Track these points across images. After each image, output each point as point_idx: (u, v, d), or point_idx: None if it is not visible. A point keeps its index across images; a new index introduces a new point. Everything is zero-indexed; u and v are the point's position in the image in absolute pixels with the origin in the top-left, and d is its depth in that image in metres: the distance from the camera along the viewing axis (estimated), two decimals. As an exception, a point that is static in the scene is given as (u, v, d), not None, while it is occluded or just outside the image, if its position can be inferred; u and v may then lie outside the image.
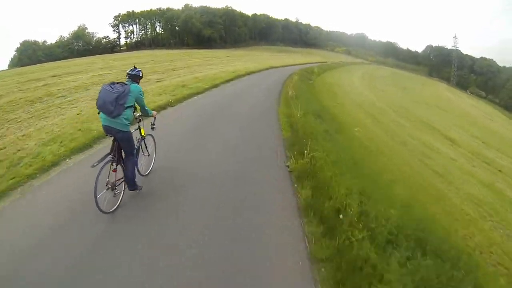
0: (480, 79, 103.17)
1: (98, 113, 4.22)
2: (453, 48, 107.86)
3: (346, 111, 18.02)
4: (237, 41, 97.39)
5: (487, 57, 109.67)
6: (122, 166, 4.46)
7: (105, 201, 4.13)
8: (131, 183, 4.52)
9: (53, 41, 79.70)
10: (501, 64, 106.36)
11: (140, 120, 5.11)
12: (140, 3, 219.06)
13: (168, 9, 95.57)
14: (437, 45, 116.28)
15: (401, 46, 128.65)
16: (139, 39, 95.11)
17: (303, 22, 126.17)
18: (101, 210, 4.00)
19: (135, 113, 4.61)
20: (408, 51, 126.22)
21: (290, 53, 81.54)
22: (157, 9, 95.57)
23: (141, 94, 4.51)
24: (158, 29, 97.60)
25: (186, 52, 58.03)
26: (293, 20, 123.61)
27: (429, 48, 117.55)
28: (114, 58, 42.54)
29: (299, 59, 55.25)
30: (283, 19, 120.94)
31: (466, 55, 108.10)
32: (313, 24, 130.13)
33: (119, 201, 4.38)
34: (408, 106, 31.38)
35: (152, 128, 5.28)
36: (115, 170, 4.31)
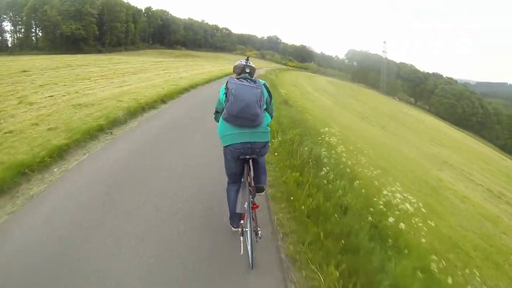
0: (407, 85, 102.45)
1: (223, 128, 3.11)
2: (383, 53, 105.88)
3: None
4: (120, 43, 75.58)
5: (406, 63, 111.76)
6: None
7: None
8: (265, 172, 3.58)
9: None
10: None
11: None
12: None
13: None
14: (361, 50, 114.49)
15: (315, 50, 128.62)
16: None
17: (210, 23, 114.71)
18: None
19: None
20: (322, 55, 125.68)
21: (194, 58, 65.42)
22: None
23: (269, 93, 3.36)
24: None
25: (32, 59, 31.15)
26: (198, 20, 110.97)
27: (351, 52, 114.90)
28: None
29: (206, 67, 40.15)
30: (186, 18, 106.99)
31: (390, 60, 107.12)
32: (221, 26, 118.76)
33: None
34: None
35: None
36: (256, 206, 3.22)
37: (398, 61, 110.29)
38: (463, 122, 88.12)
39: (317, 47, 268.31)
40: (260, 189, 3.46)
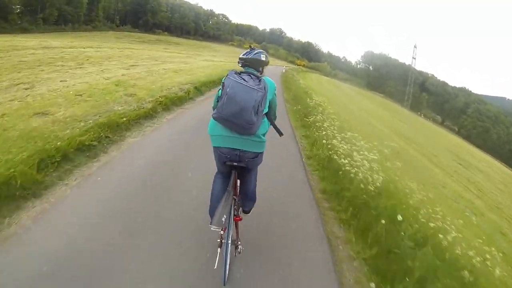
0: (432, 100, 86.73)
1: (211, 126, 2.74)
2: (412, 59, 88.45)
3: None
4: (67, 21, 52.99)
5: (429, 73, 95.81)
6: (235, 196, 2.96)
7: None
8: (251, 204, 3.16)
9: None
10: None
11: None
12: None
13: None
14: (380, 53, 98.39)
15: (322, 49, 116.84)
16: None
17: (204, 8, 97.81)
18: None
19: None
20: (330, 55, 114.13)
21: (172, 46, 48.04)
22: None
23: (275, 94, 2.93)
24: None
25: None
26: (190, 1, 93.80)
27: (369, 55, 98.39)
28: None
29: (175, 60, 23.32)
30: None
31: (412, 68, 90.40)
32: (217, 12, 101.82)
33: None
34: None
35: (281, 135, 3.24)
36: (239, 219, 2.95)
37: (421, 70, 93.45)
38: (495, 150, 73.60)
39: (324, 46, 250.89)
40: (245, 211, 3.08)
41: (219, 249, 2.57)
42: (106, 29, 58.46)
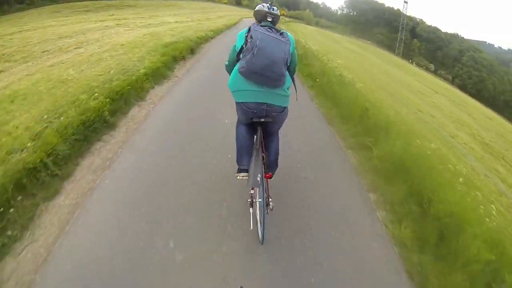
0: (424, 48, 79.70)
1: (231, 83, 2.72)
2: (404, 3, 78.95)
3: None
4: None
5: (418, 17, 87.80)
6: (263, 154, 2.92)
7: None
8: (275, 165, 3.10)
9: None
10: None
11: None
12: None
13: None
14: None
15: None
16: None
17: None
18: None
19: None
20: (308, 1, 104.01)
21: (122, 11, 38.37)
22: None
23: (295, 47, 2.88)
24: None
25: None
26: None
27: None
28: None
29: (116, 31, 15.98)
30: None
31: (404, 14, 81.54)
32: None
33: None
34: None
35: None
36: (269, 175, 2.94)
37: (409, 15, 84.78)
38: (490, 101, 67.93)
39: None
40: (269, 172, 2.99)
41: (251, 209, 2.71)
42: (46, 3, 45.21)
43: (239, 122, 2.94)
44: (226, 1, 74.18)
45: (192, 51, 11.09)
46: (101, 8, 36.13)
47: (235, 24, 28.26)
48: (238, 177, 2.73)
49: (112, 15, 28.14)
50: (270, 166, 2.96)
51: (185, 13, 36.00)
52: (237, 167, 2.83)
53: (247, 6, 76.06)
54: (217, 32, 18.41)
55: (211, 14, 37.39)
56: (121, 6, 39.12)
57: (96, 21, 21.97)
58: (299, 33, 26.06)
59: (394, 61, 50.90)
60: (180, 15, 30.88)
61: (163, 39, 11.62)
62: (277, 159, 3.02)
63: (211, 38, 15.55)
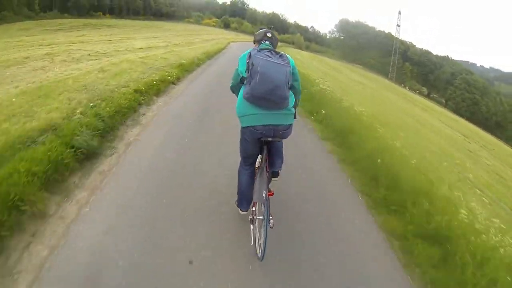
0: (416, 71, 79.14)
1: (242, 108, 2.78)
2: (397, 27, 79.45)
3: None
4: None
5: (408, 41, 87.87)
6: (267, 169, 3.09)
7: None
8: (282, 156, 3.27)
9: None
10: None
11: None
12: None
13: None
14: (357, 21, 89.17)
15: (289, 20, 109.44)
16: None
17: None
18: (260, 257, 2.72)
19: None
20: (297, 25, 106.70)
21: (101, 30, 36.36)
22: None
23: (295, 67, 2.93)
24: None
25: None
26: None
27: (344, 22, 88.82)
28: None
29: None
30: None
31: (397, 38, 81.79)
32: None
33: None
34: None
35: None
36: (271, 193, 2.94)
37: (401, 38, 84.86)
38: (483, 122, 67.66)
39: (290, 16, 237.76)
40: (275, 174, 3.21)
41: (251, 226, 2.76)
42: (21, 19, 43.56)
43: (241, 166, 3.05)
44: (214, 24, 73.81)
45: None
46: (76, 27, 34.06)
47: (221, 50, 24.42)
48: (241, 212, 3.11)
49: (83, 35, 26.02)
50: (276, 165, 3.13)
51: (166, 35, 34.20)
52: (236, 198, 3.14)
53: (235, 29, 75.78)
54: (188, 68, 12.10)
55: (196, 38, 35.25)
56: (100, 25, 37.34)
57: (51, 44, 19.63)
58: (296, 61, 23.06)
59: (395, 88, 49.99)
60: (159, 38, 28.95)
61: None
62: (281, 155, 3.17)
63: (173, 82, 9.36)
